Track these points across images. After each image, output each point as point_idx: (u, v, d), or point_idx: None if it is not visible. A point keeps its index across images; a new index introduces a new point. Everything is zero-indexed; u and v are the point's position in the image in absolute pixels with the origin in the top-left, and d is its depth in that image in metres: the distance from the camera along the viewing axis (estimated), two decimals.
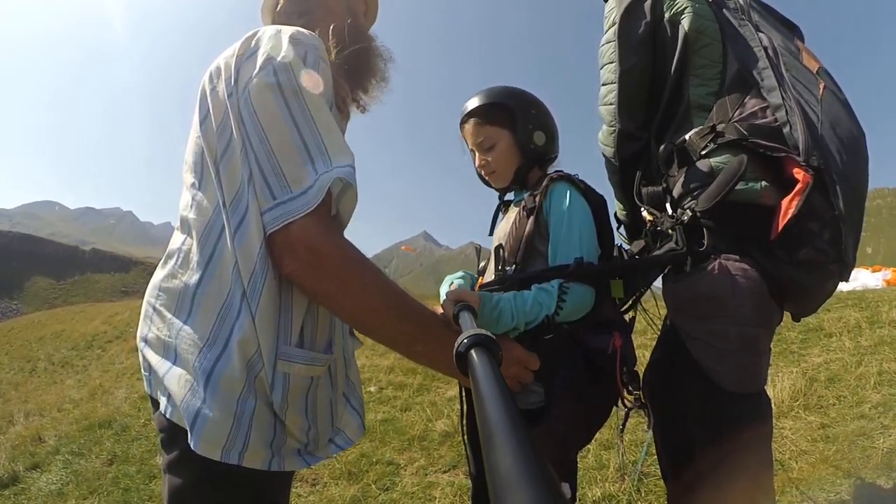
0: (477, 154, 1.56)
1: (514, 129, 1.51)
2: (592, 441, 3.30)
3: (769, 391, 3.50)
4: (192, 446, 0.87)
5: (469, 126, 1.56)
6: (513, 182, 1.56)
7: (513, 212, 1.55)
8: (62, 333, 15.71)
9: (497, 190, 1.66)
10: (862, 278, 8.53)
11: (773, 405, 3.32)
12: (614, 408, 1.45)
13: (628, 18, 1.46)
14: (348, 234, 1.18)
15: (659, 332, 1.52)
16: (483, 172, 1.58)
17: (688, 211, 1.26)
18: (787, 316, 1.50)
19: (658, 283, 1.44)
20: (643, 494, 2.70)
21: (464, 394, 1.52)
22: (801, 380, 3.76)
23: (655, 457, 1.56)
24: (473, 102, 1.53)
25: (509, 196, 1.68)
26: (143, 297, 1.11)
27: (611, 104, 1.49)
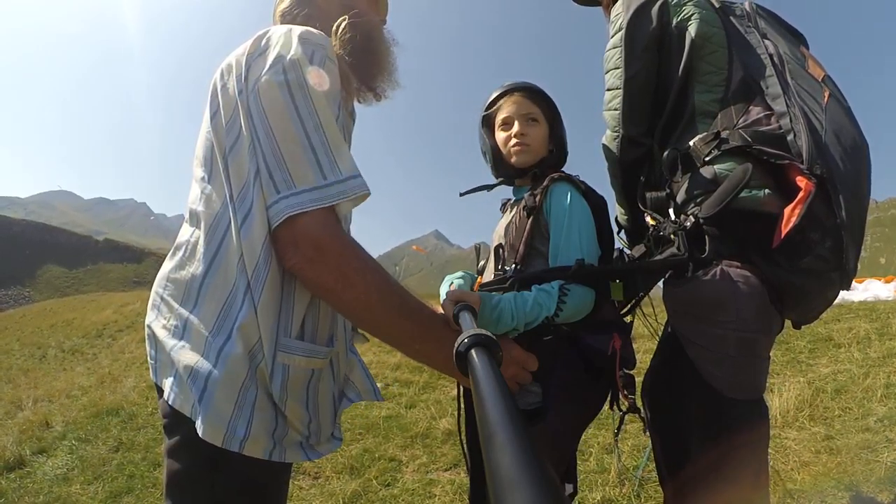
0: (517, 124, 1.55)
1: (553, 124, 1.59)
2: (595, 444, 3.33)
3: (775, 400, 3.51)
4: (199, 432, 0.90)
5: (517, 97, 1.58)
6: (532, 167, 1.56)
7: (513, 211, 1.56)
8: (73, 322, 15.89)
9: (506, 176, 1.65)
10: (874, 289, 8.36)
11: (778, 415, 3.30)
12: (610, 411, 1.45)
13: (635, 24, 1.46)
14: (359, 232, 1.18)
15: (659, 338, 1.52)
16: (518, 141, 1.54)
17: (691, 217, 1.26)
18: (795, 325, 1.49)
19: (657, 290, 1.44)
20: (643, 500, 2.70)
21: (462, 393, 1.53)
22: (808, 390, 3.74)
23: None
24: (523, 82, 1.60)
25: (509, 195, 1.69)
26: None
27: (615, 109, 1.49)
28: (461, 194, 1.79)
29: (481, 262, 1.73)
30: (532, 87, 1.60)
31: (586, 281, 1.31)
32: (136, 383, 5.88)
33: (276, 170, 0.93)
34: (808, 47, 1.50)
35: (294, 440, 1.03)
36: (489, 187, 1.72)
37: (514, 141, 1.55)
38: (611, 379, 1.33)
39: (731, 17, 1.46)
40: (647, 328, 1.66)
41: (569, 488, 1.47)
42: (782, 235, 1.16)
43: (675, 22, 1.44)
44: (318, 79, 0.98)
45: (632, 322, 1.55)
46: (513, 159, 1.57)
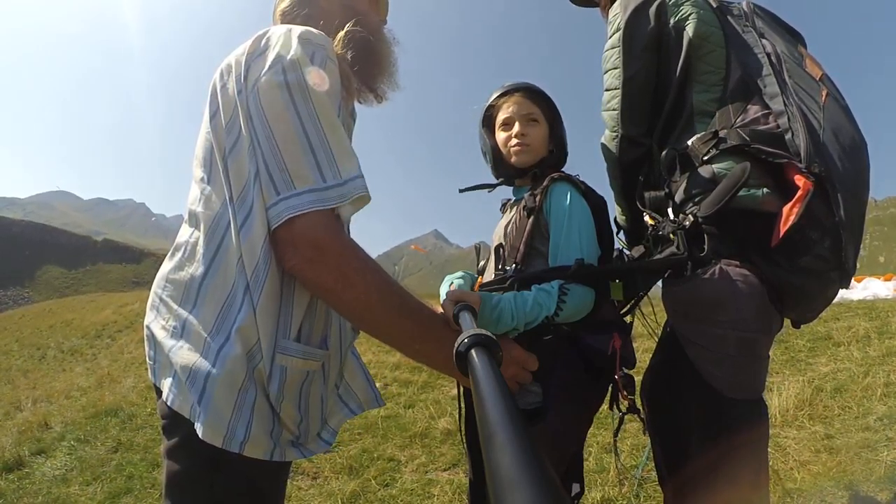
0: (517, 124, 1.55)
1: (553, 124, 1.60)
2: (595, 444, 3.33)
3: (774, 399, 3.51)
4: (199, 434, 0.89)
5: (518, 97, 1.59)
6: (532, 167, 1.57)
7: (513, 211, 1.56)
8: (72, 322, 15.89)
9: (506, 176, 1.65)
10: (873, 287, 8.35)
11: (777, 414, 3.30)
12: (609, 411, 1.45)
13: (633, 24, 1.46)
14: (359, 232, 1.18)
15: (658, 338, 1.52)
16: (518, 141, 1.54)
17: (689, 216, 1.26)
18: (795, 324, 1.49)
19: (657, 290, 1.44)
20: (642, 500, 2.70)
21: (462, 393, 1.53)
22: (807, 389, 3.74)
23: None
24: (523, 83, 1.61)
25: (509, 195, 1.69)
26: None
27: (614, 110, 1.49)
28: (461, 190, 1.80)
29: (481, 262, 1.73)
30: (532, 88, 1.60)
31: (586, 281, 1.31)
32: (135, 384, 5.88)
33: (276, 171, 0.92)
34: (805, 46, 1.50)
35: (287, 439, 1.03)
36: (489, 187, 1.71)
37: (514, 141, 1.55)
38: (611, 379, 1.33)
39: (729, 17, 1.46)
40: (646, 329, 1.66)
41: (576, 488, 1.47)
42: (781, 234, 1.16)
43: (672, 22, 1.44)
44: (318, 79, 0.97)
45: (632, 322, 1.56)
46: (513, 159, 1.57)
